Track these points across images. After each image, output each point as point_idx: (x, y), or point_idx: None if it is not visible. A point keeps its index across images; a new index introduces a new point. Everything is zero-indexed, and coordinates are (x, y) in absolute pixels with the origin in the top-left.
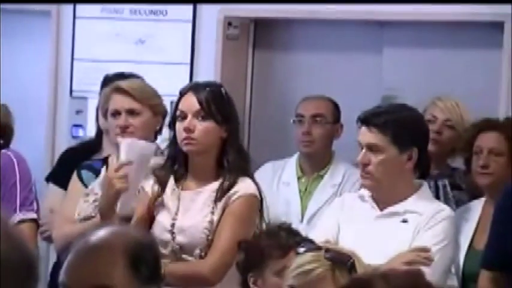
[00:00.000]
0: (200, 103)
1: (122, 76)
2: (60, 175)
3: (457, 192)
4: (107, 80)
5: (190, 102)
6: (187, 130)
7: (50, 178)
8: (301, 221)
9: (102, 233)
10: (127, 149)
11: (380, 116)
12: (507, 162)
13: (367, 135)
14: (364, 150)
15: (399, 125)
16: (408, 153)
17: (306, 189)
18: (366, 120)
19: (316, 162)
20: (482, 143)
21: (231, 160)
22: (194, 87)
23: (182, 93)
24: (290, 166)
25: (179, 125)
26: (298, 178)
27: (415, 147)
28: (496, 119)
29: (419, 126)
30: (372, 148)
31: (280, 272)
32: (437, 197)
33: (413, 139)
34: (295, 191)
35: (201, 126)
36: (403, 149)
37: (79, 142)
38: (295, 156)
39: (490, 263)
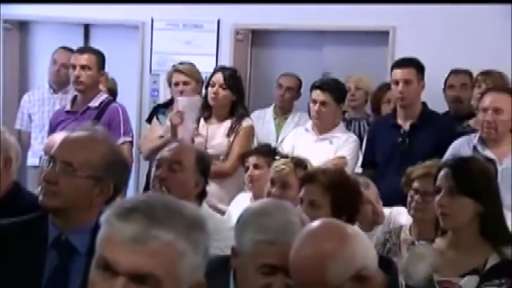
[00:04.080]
0: (224, 79)
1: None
2: (151, 117)
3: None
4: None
5: (219, 78)
6: (215, 93)
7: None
8: (276, 142)
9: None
10: (181, 103)
11: (328, 84)
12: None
13: (321, 96)
14: (318, 104)
15: (338, 90)
16: (340, 106)
17: (278, 125)
18: (321, 86)
19: (284, 111)
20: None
21: (239, 112)
22: (222, 69)
23: (215, 71)
24: (269, 112)
25: (210, 89)
26: (274, 119)
27: (343, 102)
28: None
29: (346, 91)
30: (323, 103)
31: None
32: (359, 132)
33: (343, 98)
34: (273, 126)
35: (222, 94)
36: (338, 103)
37: (163, 101)
38: (272, 107)
39: (365, 164)
